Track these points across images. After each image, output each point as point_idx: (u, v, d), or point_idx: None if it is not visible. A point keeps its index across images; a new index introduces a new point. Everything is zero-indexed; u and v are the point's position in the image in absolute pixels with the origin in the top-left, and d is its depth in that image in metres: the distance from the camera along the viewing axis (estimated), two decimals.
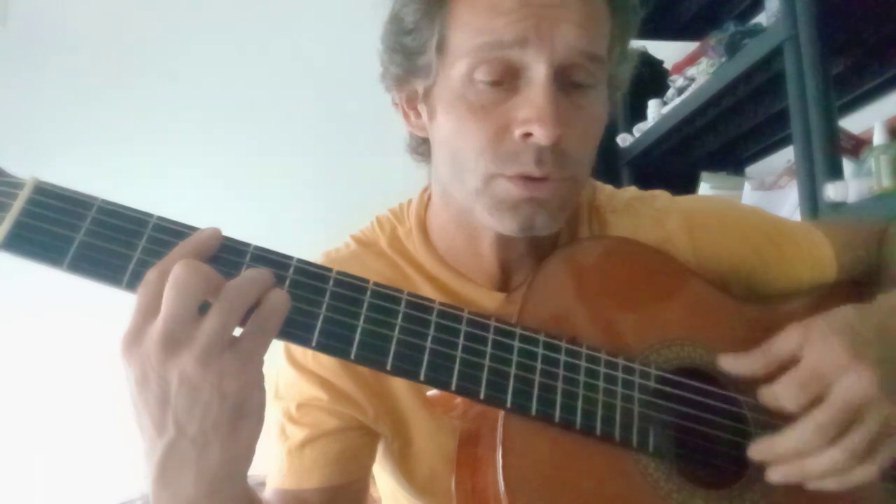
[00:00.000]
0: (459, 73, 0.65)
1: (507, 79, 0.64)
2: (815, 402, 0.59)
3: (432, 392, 0.66)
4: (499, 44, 0.62)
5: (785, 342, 0.63)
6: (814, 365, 0.59)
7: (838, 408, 0.58)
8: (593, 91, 0.66)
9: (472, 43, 0.64)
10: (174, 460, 0.50)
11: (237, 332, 0.50)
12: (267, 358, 0.52)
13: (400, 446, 0.75)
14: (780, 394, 0.60)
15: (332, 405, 0.72)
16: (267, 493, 0.75)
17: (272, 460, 0.75)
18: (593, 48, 0.64)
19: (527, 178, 0.64)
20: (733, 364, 0.65)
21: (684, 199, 0.80)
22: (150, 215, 0.54)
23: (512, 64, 0.63)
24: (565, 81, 0.64)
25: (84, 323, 1.97)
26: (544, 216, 0.65)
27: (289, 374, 0.74)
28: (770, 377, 0.62)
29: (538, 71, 0.62)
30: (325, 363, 0.72)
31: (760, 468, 0.62)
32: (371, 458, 0.77)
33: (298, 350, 0.73)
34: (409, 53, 0.69)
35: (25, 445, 2.16)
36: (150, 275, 0.50)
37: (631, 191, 0.82)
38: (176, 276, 0.48)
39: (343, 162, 2.50)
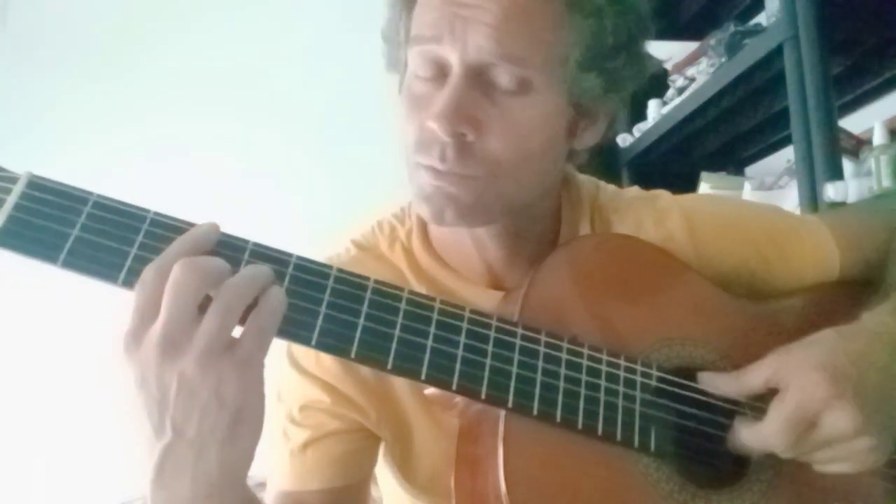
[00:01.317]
0: (409, 67, 0.68)
1: (438, 75, 0.66)
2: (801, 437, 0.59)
3: (431, 390, 0.66)
4: (421, 38, 0.66)
5: (759, 372, 0.62)
6: (796, 403, 0.59)
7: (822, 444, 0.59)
8: (525, 95, 0.65)
9: (410, 37, 0.68)
10: (171, 463, 0.50)
11: (238, 332, 0.50)
12: (267, 363, 0.51)
13: (401, 449, 0.75)
14: (767, 435, 0.60)
15: (335, 408, 0.72)
16: (268, 495, 0.74)
17: (274, 463, 0.75)
18: (511, 50, 0.63)
19: (434, 170, 0.65)
20: (710, 383, 0.65)
21: (686, 199, 0.80)
22: (147, 210, 0.54)
23: (439, 60, 0.65)
24: (486, 82, 0.64)
25: (83, 322, 1.96)
26: (453, 210, 0.66)
27: (291, 377, 0.74)
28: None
29: (454, 68, 0.64)
30: (327, 367, 0.72)
31: (761, 468, 0.62)
32: (373, 461, 0.77)
33: (301, 353, 0.73)
34: (391, 45, 0.73)
35: (25, 446, 2.16)
36: (148, 274, 0.49)
37: (633, 191, 0.82)
38: (175, 277, 0.48)
39: (351, 159, 2.48)
